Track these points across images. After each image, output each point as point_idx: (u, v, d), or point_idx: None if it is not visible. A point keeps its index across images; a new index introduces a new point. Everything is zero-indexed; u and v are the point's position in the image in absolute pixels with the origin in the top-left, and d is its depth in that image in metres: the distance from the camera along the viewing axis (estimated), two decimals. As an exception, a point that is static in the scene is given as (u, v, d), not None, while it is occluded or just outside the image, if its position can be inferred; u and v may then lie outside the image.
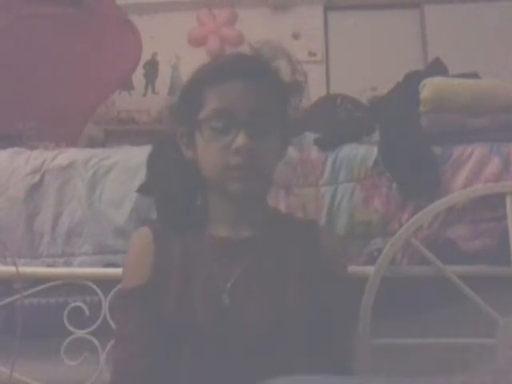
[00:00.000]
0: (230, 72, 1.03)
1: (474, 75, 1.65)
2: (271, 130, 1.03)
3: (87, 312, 1.42)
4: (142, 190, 1.25)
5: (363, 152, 1.50)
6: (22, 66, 2.13)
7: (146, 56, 3.34)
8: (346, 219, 1.44)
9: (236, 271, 1.02)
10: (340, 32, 3.73)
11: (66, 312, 1.42)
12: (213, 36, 3.73)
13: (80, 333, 1.41)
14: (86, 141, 2.52)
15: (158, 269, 1.04)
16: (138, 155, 1.49)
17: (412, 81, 1.59)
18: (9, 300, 1.44)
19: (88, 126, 2.66)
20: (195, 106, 1.05)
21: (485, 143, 1.46)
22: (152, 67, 3.77)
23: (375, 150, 1.49)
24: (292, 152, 1.45)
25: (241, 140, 0.99)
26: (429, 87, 1.50)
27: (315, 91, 1.48)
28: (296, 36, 3.63)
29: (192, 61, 1.12)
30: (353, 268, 1.29)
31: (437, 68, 1.67)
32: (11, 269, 1.41)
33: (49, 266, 1.50)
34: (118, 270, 1.17)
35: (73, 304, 1.43)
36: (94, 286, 1.42)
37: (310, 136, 1.55)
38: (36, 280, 1.44)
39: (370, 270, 1.36)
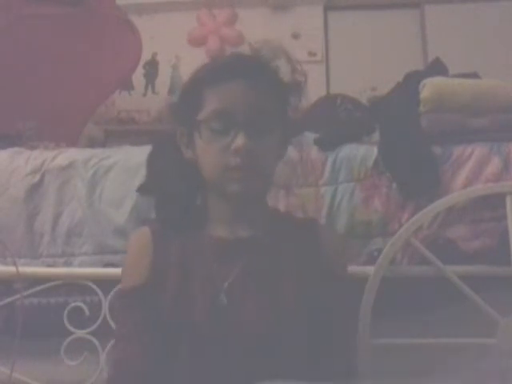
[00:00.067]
0: (229, 72, 1.03)
1: (474, 75, 1.65)
2: (270, 130, 1.03)
3: (87, 312, 1.42)
4: (142, 189, 1.25)
5: (363, 152, 1.50)
6: (22, 65, 2.13)
7: (146, 56, 3.34)
8: (346, 219, 1.44)
9: (234, 271, 1.02)
10: (340, 32, 3.73)
11: (66, 312, 1.42)
12: (213, 36, 3.73)
13: (80, 333, 1.41)
14: (86, 141, 2.52)
15: (156, 268, 1.04)
16: (137, 155, 1.49)
17: (412, 81, 1.59)
18: (9, 300, 1.44)
19: (88, 126, 2.66)
20: (194, 107, 1.05)
21: (485, 143, 1.46)
22: (152, 67, 3.77)
23: (375, 150, 1.49)
24: (292, 152, 1.44)
25: (240, 141, 0.99)
26: (429, 87, 1.50)
27: (315, 91, 1.47)
28: (296, 36, 3.63)
29: (192, 61, 1.12)
30: (353, 268, 1.29)
31: (437, 68, 1.67)
32: (11, 269, 1.41)
33: (49, 266, 1.50)
34: (118, 270, 1.17)
35: (73, 304, 1.43)
36: (94, 286, 1.43)
37: (309, 136, 1.55)
38: (36, 280, 1.44)
39: (370, 270, 1.35)
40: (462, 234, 1.40)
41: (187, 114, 1.06)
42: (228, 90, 1.02)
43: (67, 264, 1.51)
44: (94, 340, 1.40)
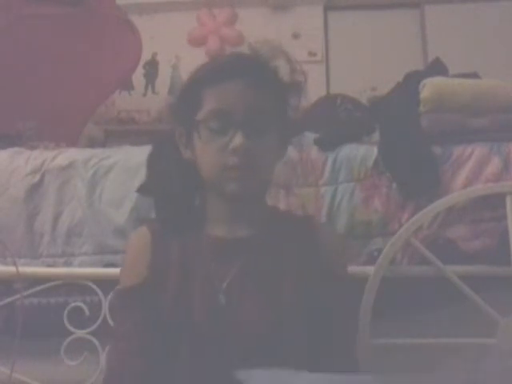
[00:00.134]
0: (227, 72, 1.03)
1: (474, 75, 1.65)
2: (269, 130, 1.03)
3: (87, 312, 1.42)
4: (142, 189, 1.25)
5: (363, 152, 1.50)
6: (22, 65, 2.13)
7: (146, 56, 3.34)
8: (346, 219, 1.44)
9: (232, 271, 1.03)
10: (340, 32, 3.73)
11: (66, 312, 1.42)
12: (213, 36, 3.73)
13: (80, 333, 1.41)
14: (86, 141, 2.52)
15: (155, 268, 1.04)
16: (138, 155, 1.49)
17: (412, 81, 1.60)
18: (9, 300, 1.44)
19: (88, 126, 2.66)
20: (193, 107, 1.05)
21: (485, 143, 1.46)
22: (152, 67, 3.76)
23: (375, 150, 1.49)
24: (292, 152, 1.45)
25: (238, 140, 0.99)
26: (429, 87, 1.50)
27: (315, 91, 1.47)
28: (296, 36, 3.63)
29: (192, 61, 1.12)
30: (353, 268, 1.29)
31: (437, 68, 1.67)
32: (11, 269, 1.42)
33: (49, 266, 1.50)
34: (117, 270, 1.17)
35: (73, 304, 1.43)
36: (94, 286, 1.43)
37: (309, 136, 1.55)
38: (36, 280, 1.45)
39: (370, 270, 1.36)
40: (462, 234, 1.40)
41: (186, 113, 1.06)
42: (226, 89, 1.02)
43: (67, 264, 1.51)
44: (94, 340, 1.40)
